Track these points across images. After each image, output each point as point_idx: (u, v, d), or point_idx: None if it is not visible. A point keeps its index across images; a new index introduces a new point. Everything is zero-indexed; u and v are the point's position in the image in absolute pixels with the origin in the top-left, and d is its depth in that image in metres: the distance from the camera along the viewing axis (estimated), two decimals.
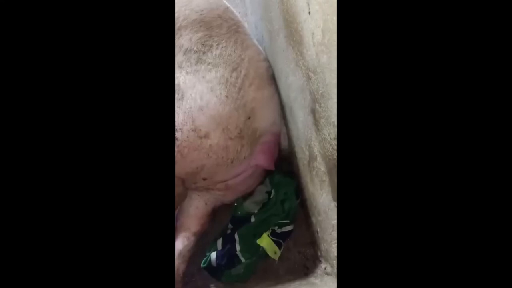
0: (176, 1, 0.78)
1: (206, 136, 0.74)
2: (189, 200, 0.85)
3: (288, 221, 0.83)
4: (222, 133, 0.75)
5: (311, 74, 0.52)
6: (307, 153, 0.68)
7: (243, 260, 0.80)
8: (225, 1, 0.85)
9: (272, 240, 0.81)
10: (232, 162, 0.79)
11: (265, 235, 0.81)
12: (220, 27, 0.78)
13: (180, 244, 0.81)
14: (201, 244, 0.85)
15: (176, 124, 0.74)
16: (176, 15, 0.77)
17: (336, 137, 0.47)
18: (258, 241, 0.80)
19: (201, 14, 0.78)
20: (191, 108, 0.75)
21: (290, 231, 0.85)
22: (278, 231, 0.83)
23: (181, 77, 0.75)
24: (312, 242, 0.86)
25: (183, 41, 0.76)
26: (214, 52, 0.77)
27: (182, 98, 0.75)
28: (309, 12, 0.45)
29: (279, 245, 0.83)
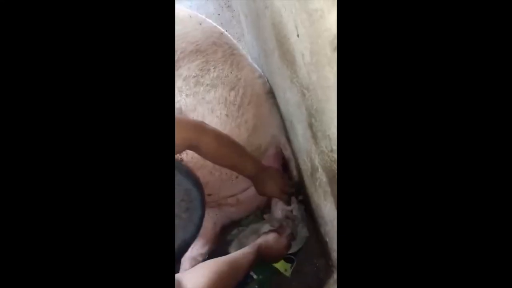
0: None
1: None
2: None
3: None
4: None
5: (305, 91, 0.54)
6: (309, 164, 0.70)
7: (255, 276, 0.80)
8: (219, 27, 0.89)
9: (284, 258, 0.82)
10: (237, 177, 0.81)
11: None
12: (215, 52, 0.83)
13: (188, 265, 0.82)
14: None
15: None
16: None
17: (332, 149, 0.49)
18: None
19: (197, 45, 0.82)
20: None
21: (301, 248, 0.86)
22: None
23: (182, 101, 0.79)
24: (323, 252, 0.86)
25: (182, 70, 0.80)
26: (211, 75, 0.81)
27: None
28: (298, 35, 0.48)
29: (291, 261, 0.84)
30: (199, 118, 0.79)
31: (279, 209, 0.84)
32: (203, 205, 0.50)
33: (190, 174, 0.52)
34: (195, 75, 0.80)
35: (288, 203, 0.82)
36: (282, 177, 0.81)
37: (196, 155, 0.77)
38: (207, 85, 0.80)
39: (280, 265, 0.81)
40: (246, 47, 1.20)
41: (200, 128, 0.66)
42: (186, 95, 0.80)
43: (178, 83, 0.80)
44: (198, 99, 0.79)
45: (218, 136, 0.68)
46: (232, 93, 0.80)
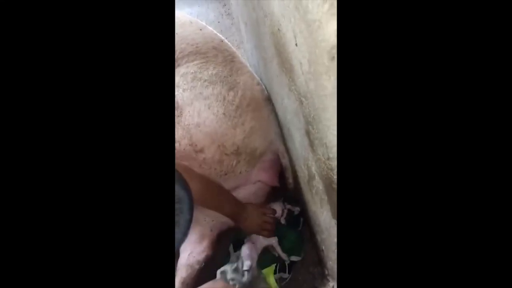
0: None
1: (201, 150, 0.78)
2: (195, 226, 0.87)
3: (295, 255, 0.85)
4: (218, 149, 0.79)
5: (302, 99, 0.55)
6: (306, 172, 0.70)
7: None
8: (220, 35, 0.91)
9: (277, 275, 0.82)
10: (226, 174, 0.81)
11: (271, 271, 0.81)
12: (216, 56, 0.84)
13: (184, 272, 0.81)
14: (206, 269, 0.85)
15: (176, 137, 0.78)
16: None
17: (329, 157, 0.49)
18: (264, 272, 0.81)
19: (196, 47, 0.83)
20: (189, 125, 0.78)
21: (298, 260, 0.86)
22: (286, 262, 0.84)
23: (178, 95, 0.79)
24: (319, 261, 0.86)
25: (180, 69, 0.81)
26: (210, 72, 0.82)
27: (181, 114, 0.79)
28: (296, 44, 0.49)
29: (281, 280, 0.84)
30: (195, 113, 0.78)
31: (248, 248, 0.81)
32: (191, 209, 0.50)
33: (177, 176, 0.51)
34: (193, 71, 0.81)
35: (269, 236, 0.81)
36: (262, 213, 0.82)
37: (189, 148, 0.77)
38: (205, 80, 0.80)
39: (272, 284, 0.81)
40: (245, 55, 1.21)
41: (187, 172, 0.67)
42: (183, 90, 0.79)
43: (176, 79, 0.80)
44: (195, 94, 0.79)
45: (203, 181, 0.72)
46: (231, 93, 0.81)
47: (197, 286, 0.74)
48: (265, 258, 0.84)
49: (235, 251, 0.84)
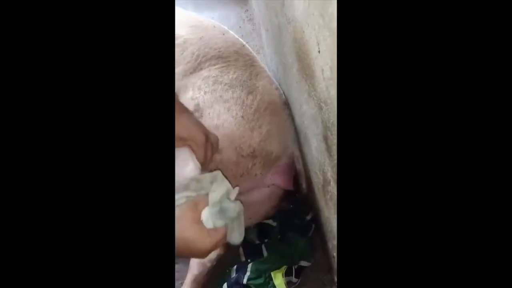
0: (196, 41, 0.87)
1: (219, 152, 0.79)
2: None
3: (305, 260, 0.85)
4: (234, 151, 0.80)
5: (322, 104, 0.56)
6: (321, 177, 0.70)
7: None
8: (241, 39, 0.93)
9: (286, 279, 0.82)
10: (241, 176, 0.83)
11: (279, 274, 0.82)
12: (237, 60, 0.86)
13: (196, 269, 0.82)
14: (217, 267, 0.86)
15: None
16: (196, 53, 0.86)
17: None
18: (273, 275, 0.81)
19: (219, 51, 0.86)
20: (208, 126, 0.80)
21: (306, 266, 0.86)
22: (295, 267, 0.85)
23: (200, 97, 0.83)
24: (329, 268, 0.85)
25: (203, 72, 0.84)
26: (231, 76, 0.84)
27: (201, 116, 0.82)
28: (319, 51, 0.50)
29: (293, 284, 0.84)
30: (215, 116, 0.81)
31: None
32: None
33: None
34: (214, 75, 0.84)
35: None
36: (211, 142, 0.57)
37: None
38: (226, 84, 0.83)
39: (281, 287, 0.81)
40: (265, 60, 1.23)
41: None
42: (205, 92, 0.83)
43: (198, 82, 0.83)
44: (215, 97, 0.82)
45: None
46: (250, 97, 0.83)
47: (208, 284, 0.74)
48: (273, 260, 0.84)
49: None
